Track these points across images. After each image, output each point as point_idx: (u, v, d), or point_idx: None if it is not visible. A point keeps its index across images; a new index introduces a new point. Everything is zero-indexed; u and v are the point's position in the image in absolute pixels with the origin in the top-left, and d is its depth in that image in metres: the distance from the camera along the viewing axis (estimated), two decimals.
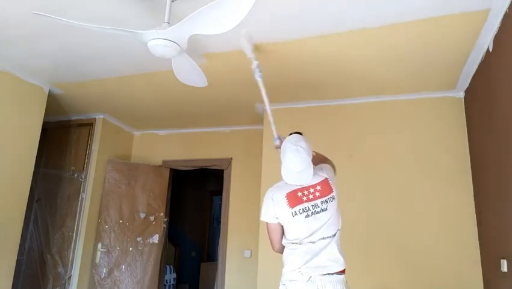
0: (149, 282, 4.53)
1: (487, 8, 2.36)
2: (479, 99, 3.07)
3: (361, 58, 3.05)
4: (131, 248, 4.54)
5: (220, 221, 5.01)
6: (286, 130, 4.03)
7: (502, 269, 2.46)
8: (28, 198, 3.69)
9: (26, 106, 3.68)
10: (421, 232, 3.35)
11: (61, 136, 4.73)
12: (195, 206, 7.41)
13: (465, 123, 3.47)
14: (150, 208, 4.74)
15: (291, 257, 2.08)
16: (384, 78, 3.38)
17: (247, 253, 4.47)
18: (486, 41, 2.66)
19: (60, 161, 4.64)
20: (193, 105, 4.24)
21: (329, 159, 2.40)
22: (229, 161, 4.83)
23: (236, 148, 4.84)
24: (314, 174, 2.12)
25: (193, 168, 5.13)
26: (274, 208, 2.13)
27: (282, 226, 2.16)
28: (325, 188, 2.13)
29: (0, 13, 2.57)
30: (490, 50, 2.64)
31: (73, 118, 4.74)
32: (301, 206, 2.08)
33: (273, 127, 2.53)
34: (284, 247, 2.19)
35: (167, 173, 4.97)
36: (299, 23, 2.59)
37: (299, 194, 2.11)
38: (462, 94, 3.55)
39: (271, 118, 2.55)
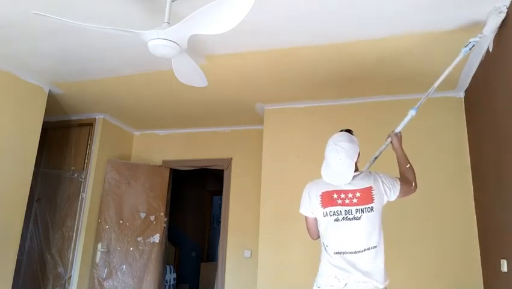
0: (149, 282, 4.53)
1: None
2: (479, 99, 3.07)
3: (363, 60, 3.05)
4: (131, 248, 4.54)
5: (220, 221, 5.01)
6: (287, 131, 4.06)
7: (502, 269, 2.46)
8: (28, 198, 3.69)
9: (26, 106, 3.68)
10: (421, 232, 3.35)
11: (61, 136, 4.73)
12: (195, 206, 7.40)
13: (465, 123, 3.47)
14: (150, 207, 4.74)
15: (328, 264, 2.01)
16: (384, 78, 3.38)
17: (247, 253, 4.46)
18: (486, 41, 2.66)
19: (60, 161, 4.63)
20: (193, 105, 4.24)
21: (408, 178, 2.23)
22: (229, 161, 4.83)
23: (236, 148, 4.84)
24: (361, 179, 2.05)
25: (193, 168, 5.13)
26: (310, 203, 2.11)
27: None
28: (365, 196, 2.01)
29: (0, 12, 2.57)
30: (490, 50, 2.64)
31: (73, 118, 4.74)
32: (333, 209, 2.02)
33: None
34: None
35: (167, 173, 4.96)
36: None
37: (335, 195, 2.04)
38: (462, 94, 3.55)
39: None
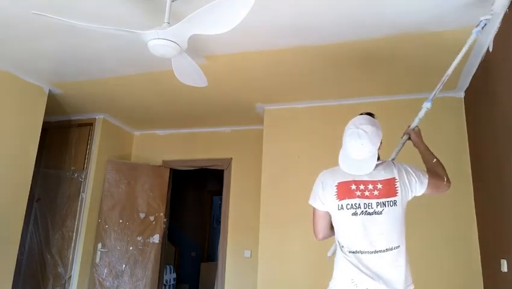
0: (149, 282, 4.53)
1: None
2: (479, 99, 3.07)
3: (363, 60, 3.05)
4: (131, 248, 4.54)
5: (220, 221, 5.01)
6: (287, 130, 4.06)
7: (502, 269, 2.46)
8: (28, 198, 3.69)
9: (26, 106, 3.68)
10: (421, 232, 3.34)
11: (61, 136, 4.73)
12: (195, 206, 7.41)
13: (465, 123, 3.47)
14: (150, 207, 4.74)
15: (343, 266, 1.77)
16: (385, 78, 3.38)
17: (247, 253, 4.47)
18: (486, 41, 2.66)
19: (60, 161, 4.64)
20: (193, 105, 4.24)
21: (437, 171, 1.96)
22: (229, 161, 4.83)
23: (236, 148, 4.84)
24: (383, 169, 1.81)
25: (193, 168, 5.13)
26: (322, 194, 1.84)
27: (330, 216, 1.88)
28: (388, 188, 1.77)
29: (0, 13, 2.57)
30: (490, 50, 2.64)
31: (73, 118, 4.74)
32: (350, 201, 1.77)
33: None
34: (329, 234, 1.93)
35: (167, 173, 4.97)
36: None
37: (353, 186, 1.78)
38: (462, 94, 3.55)
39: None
